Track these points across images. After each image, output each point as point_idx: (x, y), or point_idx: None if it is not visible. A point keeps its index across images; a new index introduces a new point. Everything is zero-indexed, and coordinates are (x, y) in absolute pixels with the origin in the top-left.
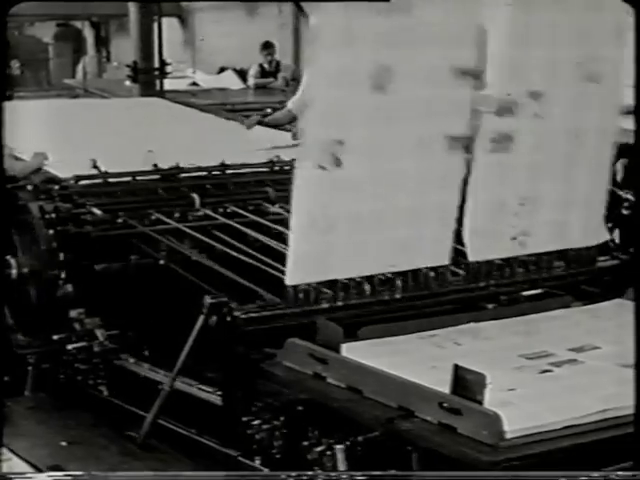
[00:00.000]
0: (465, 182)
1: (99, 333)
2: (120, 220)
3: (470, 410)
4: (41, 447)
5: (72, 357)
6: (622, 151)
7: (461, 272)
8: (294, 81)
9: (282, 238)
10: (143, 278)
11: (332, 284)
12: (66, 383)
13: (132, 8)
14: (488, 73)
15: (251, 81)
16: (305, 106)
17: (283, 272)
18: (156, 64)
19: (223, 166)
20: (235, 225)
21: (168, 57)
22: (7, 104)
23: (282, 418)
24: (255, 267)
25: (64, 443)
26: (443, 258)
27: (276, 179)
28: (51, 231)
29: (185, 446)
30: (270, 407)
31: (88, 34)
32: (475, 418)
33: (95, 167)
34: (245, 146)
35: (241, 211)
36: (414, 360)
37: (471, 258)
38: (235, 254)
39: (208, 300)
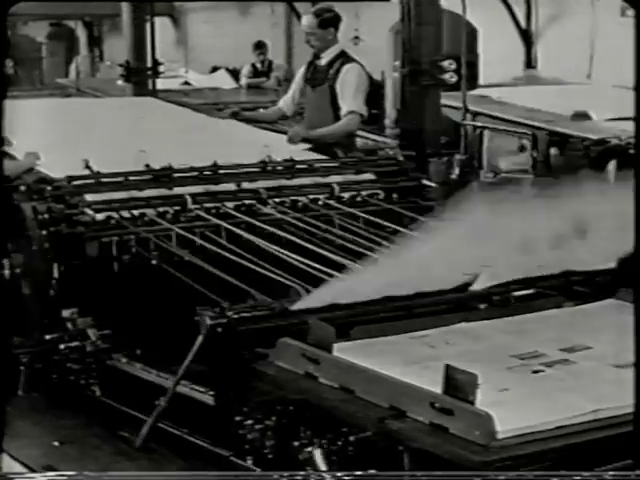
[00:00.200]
0: None
1: (91, 333)
2: (113, 221)
3: (462, 410)
4: (34, 447)
5: (65, 357)
6: (614, 152)
7: None
8: (286, 81)
9: (275, 239)
10: (136, 278)
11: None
12: (59, 383)
13: (125, 8)
14: None
15: (243, 80)
16: None
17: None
18: (149, 64)
19: (215, 167)
20: (227, 226)
21: (161, 57)
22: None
23: (274, 418)
24: (247, 268)
25: (57, 443)
26: None
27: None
28: (44, 232)
29: (177, 446)
30: (262, 407)
31: (81, 34)
32: (467, 418)
33: (87, 167)
34: (237, 145)
35: (234, 212)
36: (406, 360)
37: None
38: (227, 255)
39: (208, 322)
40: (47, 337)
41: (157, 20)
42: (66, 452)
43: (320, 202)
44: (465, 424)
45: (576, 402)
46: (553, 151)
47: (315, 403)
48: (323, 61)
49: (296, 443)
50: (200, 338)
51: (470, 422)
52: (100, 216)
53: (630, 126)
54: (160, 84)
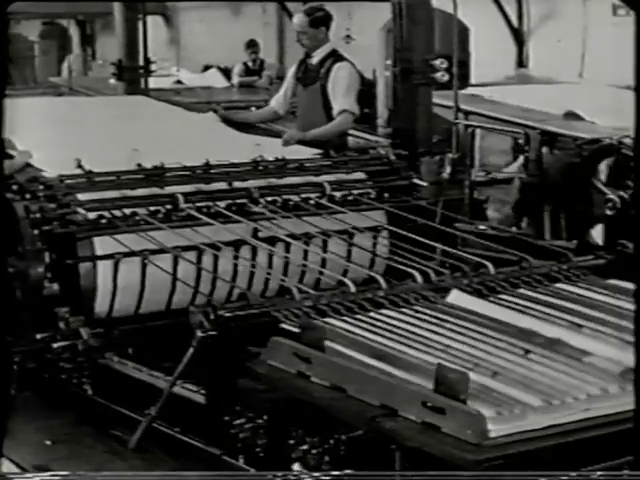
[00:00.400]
0: None
1: (83, 332)
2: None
3: (454, 409)
4: (26, 446)
5: (57, 356)
6: (607, 151)
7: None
8: (278, 79)
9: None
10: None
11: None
12: (51, 382)
13: (117, 7)
14: None
15: (235, 79)
16: None
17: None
18: (141, 62)
19: (207, 166)
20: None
21: (153, 55)
22: None
23: (265, 417)
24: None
25: (49, 442)
26: None
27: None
28: (36, 231)
29: (169, 445)
30: (254, 406)
31: (74, 32)
32: (459, 417)
33: (79, 167)
34: (230, 145)
35: (225, 211)
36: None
37: None
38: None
39: (199, 334)
40: (39, 336)
41: (149, 19)
42: (58, 451)
43: (311, 201)
44: (457, 423)
45: (567, 399)
46: (545, 150)
47: (307, 402)
48: (314, 60)
49: (288, 442)
50: (191, 350)
51: (462, 421)
52: (92, 215)
53: (626, 125)
54: (152, 83)
